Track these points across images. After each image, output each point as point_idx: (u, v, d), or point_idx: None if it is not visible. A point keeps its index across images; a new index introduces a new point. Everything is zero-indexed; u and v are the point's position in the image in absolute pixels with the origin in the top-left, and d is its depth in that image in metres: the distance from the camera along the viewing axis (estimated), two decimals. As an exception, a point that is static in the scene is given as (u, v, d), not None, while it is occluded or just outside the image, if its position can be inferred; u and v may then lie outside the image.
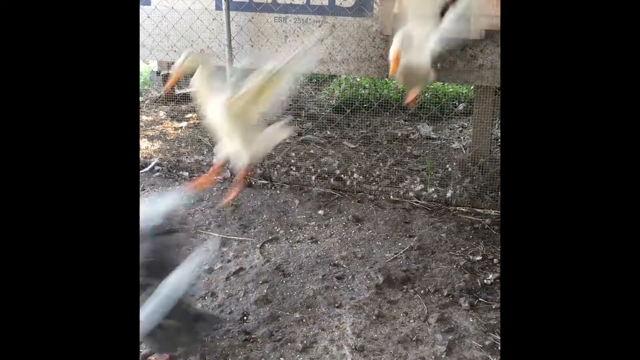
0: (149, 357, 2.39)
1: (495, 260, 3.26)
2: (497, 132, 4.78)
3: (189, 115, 6.02)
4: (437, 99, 6.13)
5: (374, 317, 2.72)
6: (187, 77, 6.82)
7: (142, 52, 4.64)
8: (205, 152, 4.92)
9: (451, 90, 6.49)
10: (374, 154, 4.89)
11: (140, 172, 4.60)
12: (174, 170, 4.62)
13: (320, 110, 6.07)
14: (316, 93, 6.75)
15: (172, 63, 6.22)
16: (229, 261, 3.26)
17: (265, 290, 2.94)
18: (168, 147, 5.12)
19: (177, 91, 6.51)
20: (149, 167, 4.65)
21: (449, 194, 4.05)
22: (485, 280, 3.04)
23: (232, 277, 3.08)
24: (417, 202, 4.05)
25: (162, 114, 6.08)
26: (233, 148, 2.64)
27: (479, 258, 3.29)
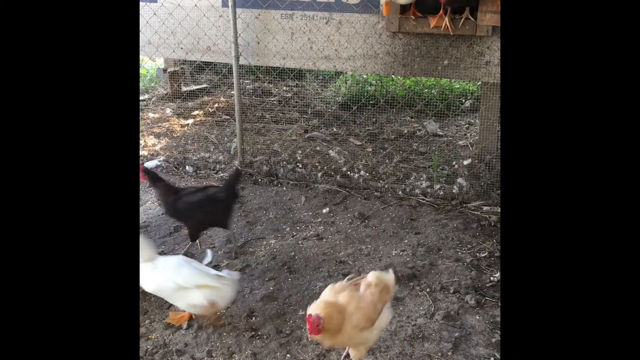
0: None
1: (502, 258, 3.25)
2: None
3: (195, 112, 6.04)
4: (443, 96, 6.11)
5: (380, 314, 2.72)
6: (193, 73, 6.81)
7: (149, 49, 4.65)
8: (211, 149, 4.93)
9: (458, 87, 6.47)
10: (381, 151, 4.89)
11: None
12: (180, 167, 4.64)
13: (326, 107, 6.06)
14: (322, 90, 6.74)
15: (179, 61, 6.27)
16: (235, 258, 3.27)
17: (271, 287, 2.95)
18: (174, 144, 5.14)
19: (184, 88, 6.53)
20: (151, 165, 4.66)
21: (455, 191, 4.04)
22: (491, 278, 3.03)
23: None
24: (423, 199, 4.04)
25: (168, 111, 6.09)
26: None
27: (485, 255, 3.28)
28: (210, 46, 4.47)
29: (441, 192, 4.07)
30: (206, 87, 6.84)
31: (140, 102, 6.24)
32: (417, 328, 2.63)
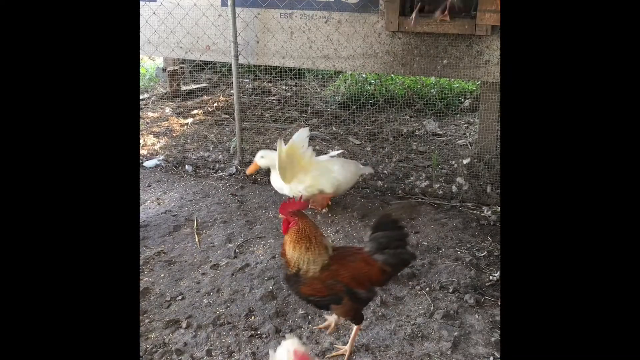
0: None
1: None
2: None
3: (195, 111, 6.03)
4: (443, 95, 6.11)
5: (379, 314, 2.73)
6: (192, 73, 6.80)
7: (148, 48, 4.65)
8: (210, 149, 4.93)
9: (457, 86, 6.47)
10: (380, 150, 4.89)
11: (145, 167, 4.62)
12: (179, 167, 4.63)
13: (325, 106, 6.06)
14: (322, 89, 6.74)
15: (178, 60, 6.27)
16: (234, 257, 3.27)
17: (271, 287, 2.95)
18: (174, 143, 5.14)
19: (184, 87, 6.53)
20: (152, 164, 4.67)
21: (454, 190, 4.04)
22: (490, 277, 3.04)
23: (237, 273, 3.09)
24: (422, 199, 4.04)
25: (167, 110, 6.09)
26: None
27: (484, 254, 3.28)
28: (209, 45, 4.47)
29: (440, 192, 4.08)
30: (205, 86, 6.84)
31: (140, 102, 6.24)
32: (416, 327, 2.63)
